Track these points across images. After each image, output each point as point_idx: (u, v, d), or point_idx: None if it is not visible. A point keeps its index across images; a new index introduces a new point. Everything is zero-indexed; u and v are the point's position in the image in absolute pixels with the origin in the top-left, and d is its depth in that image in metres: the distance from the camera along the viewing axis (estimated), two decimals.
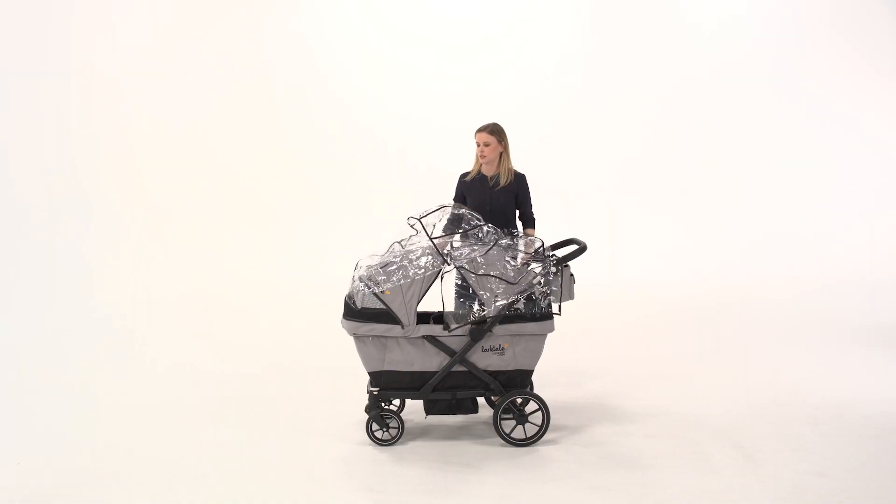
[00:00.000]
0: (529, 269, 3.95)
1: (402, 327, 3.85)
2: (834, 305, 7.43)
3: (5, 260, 7.57)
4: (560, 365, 5.36)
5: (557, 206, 9.36)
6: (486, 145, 4.45)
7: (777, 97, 10.26)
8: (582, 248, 4.05)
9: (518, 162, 9.42)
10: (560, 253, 4.28)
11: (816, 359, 5.69)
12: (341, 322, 3.97)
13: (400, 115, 9.52)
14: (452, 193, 4.64)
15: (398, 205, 9.39)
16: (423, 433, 4.19)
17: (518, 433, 4.04)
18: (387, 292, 3.83)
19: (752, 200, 10.05)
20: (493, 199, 4.45)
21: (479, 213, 4.32)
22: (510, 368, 3.99)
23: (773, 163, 10.26)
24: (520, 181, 4.51)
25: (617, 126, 9.72)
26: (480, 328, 3.91)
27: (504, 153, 4.50)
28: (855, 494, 3.41)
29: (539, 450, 3.94)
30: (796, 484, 3.51)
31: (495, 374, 3.98)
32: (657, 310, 7.43)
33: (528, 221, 4.55)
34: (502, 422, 4.01)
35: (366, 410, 4.04)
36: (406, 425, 4.13)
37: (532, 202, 4.56)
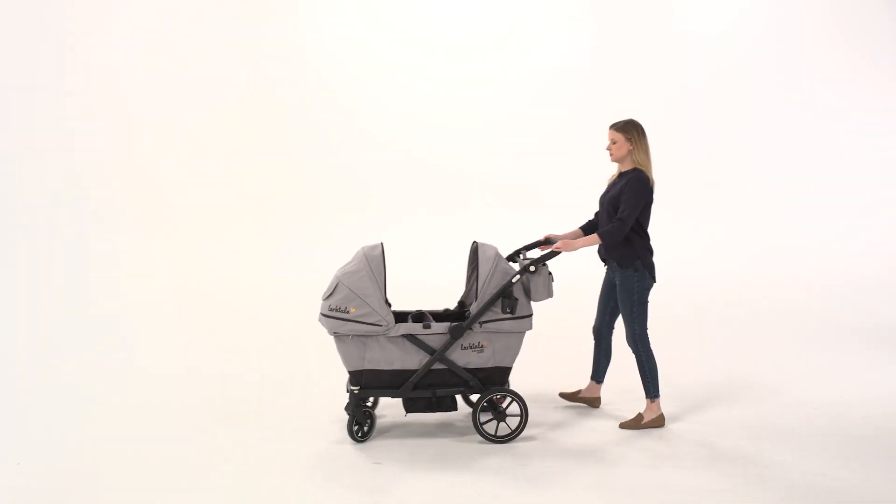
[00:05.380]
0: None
1: (381, 327, 3.88)
2: (834, 305, 7.43)
3: (4, 260, 7.57)
4: (561, 365, 5.36)
5: (559, 207, 9.35)
6: (614, 143, 4.19)
7: (776, 98, 10.26)
8: (554, 252, 4.09)
9: (519, 162, 9.47)
10: (534, 253, 4.42)
11: (817, 359, 5.68)
12: (320, 320, 3.97)
13: (400, 115, 9.51)
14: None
15: (398, 205, 9.41)
16: (409, 432, 4.19)
17: (495, 429, 4.06)
18: (352, 310, 3.87)
19: (752, 201, 10.04)
20: (606, 199, 4.24)
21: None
22: (489, 366, 4.03)
23: (773, 163, 10.25)
24: (629, 181, 4.09)
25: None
26: (460, 326, 3.94)
27: (636, 151, 4.14)
28: (855, 494, 3.41)
29: (537, 449, 3.95)
30: (796, 484, 3.51)
31: (474, 372, 4.02)
32: (657, 310, 7.42)
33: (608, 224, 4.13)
34: (481, 420, 4.04)
35: (346, 409, 4.02)
36: (391, 424, 4.13)
37: (632, 207, 4.03)
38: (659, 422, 4.25)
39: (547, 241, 4.37)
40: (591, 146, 9.89)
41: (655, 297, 7.88)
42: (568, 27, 9.91)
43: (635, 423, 4.24)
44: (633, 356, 4.28)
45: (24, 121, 8.09)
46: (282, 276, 8.19)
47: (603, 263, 4.39)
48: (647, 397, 4.26)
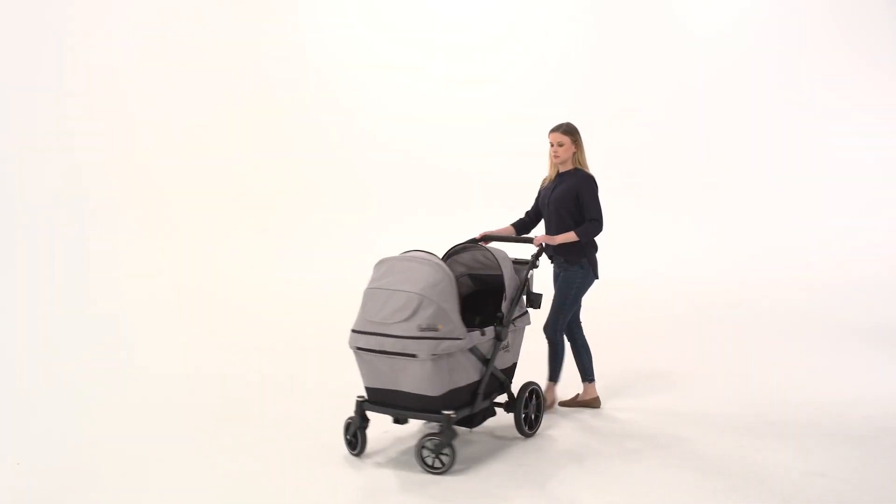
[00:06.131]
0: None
1: (463, 340, 3.65)
2: (834, 305, 7.42)
3: (4, 260, 7.57)
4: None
5: None
6: (560, 145, 4.32)
7: (776, 98, 10.26)
8: (542, 248, 4.22)
9: (520, 162, 9.46)
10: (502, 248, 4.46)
11: (816, 359, 5.68)
12: (398, 346, 3.57)
13: (400, 115, 9.51)
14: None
15: (398, 205, 9.41)
16: (406, 435, 4.18)
17: (530, 423, 4.11)
18: (440, 326, 3.56)
19: (752, 201, 10.04)
20: (550, 199, 4.36)
21: (542, 213, 4.45)
22: (510, 364, 4.07)
23: (773, 163, 10.25)
24: (581, 182, 4.30)
25: (618, 125, 9.71)
26: (503, 328, 3.89)
27: (579, 152, 4.37)
28: (855, 494, 3.41)
29: (540, 449, 3.94)
30: (796, 484, 3.51)
31: (505, 371, 4.03)
32: (658, 310, 7.43)
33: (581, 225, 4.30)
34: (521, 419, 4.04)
35: (443, 441, 3.59)
36: (385, 430, 4.12)
37: (598, 206, 4.31)
38: (552, 396, 4.50)
39: (483, 239, 4.36)
40: (590, 146, 9.90)
41: (656, 297, 7.95)
42: (568, 27, 9.91)
43: (571, 402, 4.53)
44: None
45: (24, 121, 8.09)
46: (282, 276, 8.19)
47: (550, 260, 4.46)
48: (550, 380, 4.46)
